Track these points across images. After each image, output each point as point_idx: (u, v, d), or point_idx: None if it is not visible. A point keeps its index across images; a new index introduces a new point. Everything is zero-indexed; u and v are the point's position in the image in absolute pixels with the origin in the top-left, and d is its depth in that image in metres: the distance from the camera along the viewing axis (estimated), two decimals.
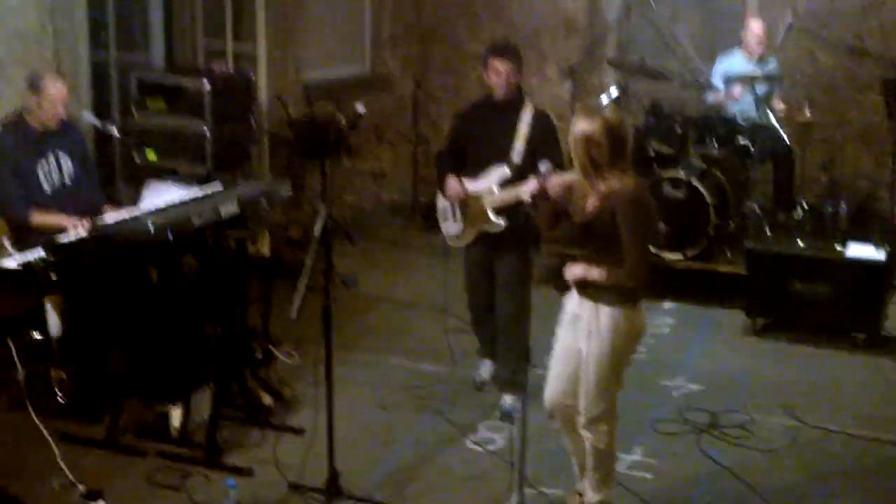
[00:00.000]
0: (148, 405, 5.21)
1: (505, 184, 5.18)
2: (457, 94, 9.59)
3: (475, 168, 5.31)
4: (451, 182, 5.31)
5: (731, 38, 8.15)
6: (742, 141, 7.45)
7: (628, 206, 3.89)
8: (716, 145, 7.46)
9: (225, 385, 5.18)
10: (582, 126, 3.90)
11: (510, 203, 5.09)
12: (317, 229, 4.52)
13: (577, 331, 4.08)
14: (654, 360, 6.12)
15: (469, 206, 5.33)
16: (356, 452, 4.91)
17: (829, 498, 4.64)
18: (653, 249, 6.97)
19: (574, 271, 4.03)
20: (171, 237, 4.66)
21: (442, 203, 5.48)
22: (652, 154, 7.41)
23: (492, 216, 5.23)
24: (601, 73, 9.23)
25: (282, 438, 5.10)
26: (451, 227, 5.48)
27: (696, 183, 7.03)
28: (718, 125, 7.53)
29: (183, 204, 5.16)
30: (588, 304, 4.03)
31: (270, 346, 5.80)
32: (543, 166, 4.17)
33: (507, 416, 5.29)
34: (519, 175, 5.09)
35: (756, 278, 6.62)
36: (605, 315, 3.99)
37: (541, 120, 5.28)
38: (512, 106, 5.27)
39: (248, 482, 4.70)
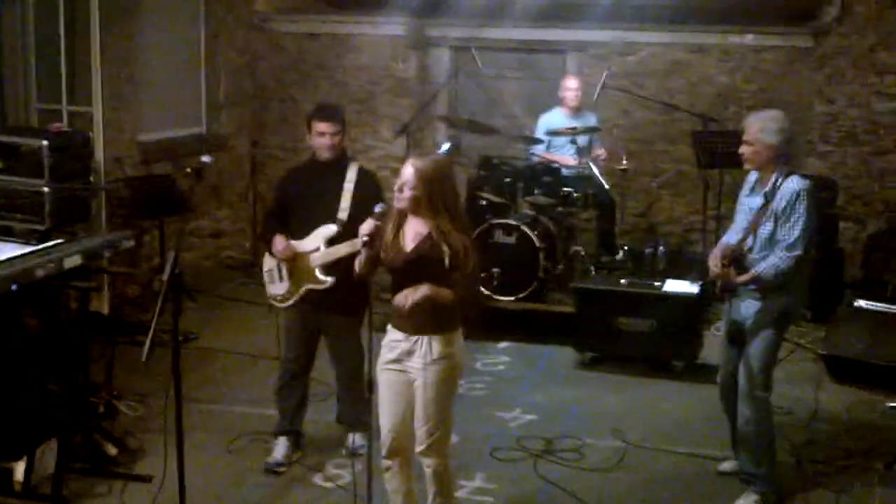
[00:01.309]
0: None
1: (332, 241, 5.21)
2: (294, 151, 9.79)
3: (302, 228, 5.31)
4: (279, 241, 5.31)
5: (552, 97, 8.67)
6: (567, 190, 7.92)
7: (467, 241, 4.21)
8: (543, 194, 7.90)
9: (69, 438, 5.17)
10: (414, 163, 4.19)
11: (339, 259, 5.13)
12: (164, 276, 4.54)
13: (410, 366, 4.27)
14: (491, 395, 6.45)
15: (296, 266, 5.32)
16: (206, 495, 4.99)
17: None
18: (486, 292, 7.35)
19: (410, 297, 4.16)
20: (14, 288, 4.65)
21: (268, 264, 5.45)
22: (484, 203, 7.80)
23: (319, 274, 5.24)
24: (433, 130, 9.63)
25: (129, 487, 5.13)
26: (276, 287, 5.43)
27: (525, 229, 7.44)
28: (544, 176, 7.99)
29: (24, 256, 5.09)
30: (419, 338, 4.23)
31: (113, 399, 5.84)
32: (379, 208, 4.38)
33: (354, 454, 5.44)
34: (346, 232, 5.13)
35: (583, 315, 7.05)
36: (438, 343, 4.22)
37: (365, 177, 5.36)
38: (336, 165, 5.31)
39: None
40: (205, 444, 5.58)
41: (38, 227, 6.56)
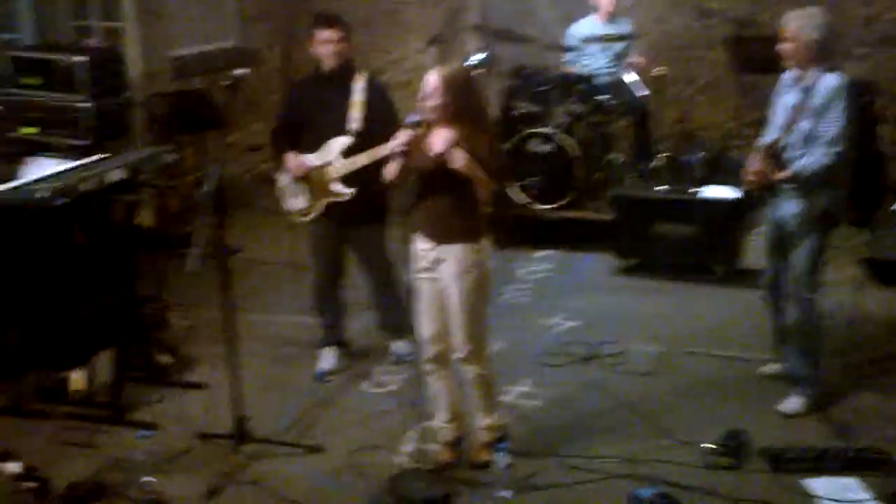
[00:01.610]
0: (49, 374, 5.27)
1: (347, 152, 5.18)
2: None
3: (313, 142, 5.25)
4: (291, 159, 5.26)
5: (586, 4, 8.55)
6: (601, 98, 7.87)
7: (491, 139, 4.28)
8: (578, 102, 7.85)
9: (124, 348, 5.29)
10: (438, 72, 4.20)
11: (357, 169, 5.14)
12: (205, 193, 4.58)
13: (441, 274, 4.32)
14: (534, 303, 6.53)
15: (313, 181, 5.29)
16: (258, 402, 5.09)
17: (698, 410, 5.07)
18: (525, 201, 7.38)
19: (457, 156, 4.11)
20: (60, 203, 4.70)
21: (283, 180, 5.39)
22: (518, 113, 7.76)
23: (339, 186, 5.23)
24: (464, 40, 9.54)
25: (184, 394, 5.28)
26: (296, 202, 5.40)
27: (561, 138, 7.42)
28: (579, 84, 7.93)
29: (67, 171, 5.18)
30: (448, 247, 4.27)
31: (164, 310, 5.95)
32: (414, 117, 4.30)
33: (401, 360, 5.55)
34: (361, 142, 5.13)
35: (622, 223, 7.08)
36: (467, 252, 4.26)
37: (374, 86, 5.29)
38: (343, 75, 5.21)
39: (155, 436, 4.85)
40: (254, 352, 5.68)
41: (78, 142, 6.60)
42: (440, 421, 4.59)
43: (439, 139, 4.22)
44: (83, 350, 5.22)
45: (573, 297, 6.63)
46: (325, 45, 5.17)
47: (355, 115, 5.17)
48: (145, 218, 7.25)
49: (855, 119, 4.77)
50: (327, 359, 5.57)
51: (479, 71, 7.77)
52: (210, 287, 4.93)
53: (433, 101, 4.20)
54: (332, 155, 5.21)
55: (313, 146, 5.25)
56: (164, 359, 5.59)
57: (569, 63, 8.28)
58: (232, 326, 4.69)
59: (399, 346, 5.61)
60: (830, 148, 4.67)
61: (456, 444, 4.61)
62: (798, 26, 4.74)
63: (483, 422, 4.57)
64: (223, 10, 9.31)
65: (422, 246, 4.35)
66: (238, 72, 6.53)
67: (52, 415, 5.05)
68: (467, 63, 7.72)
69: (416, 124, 4.29)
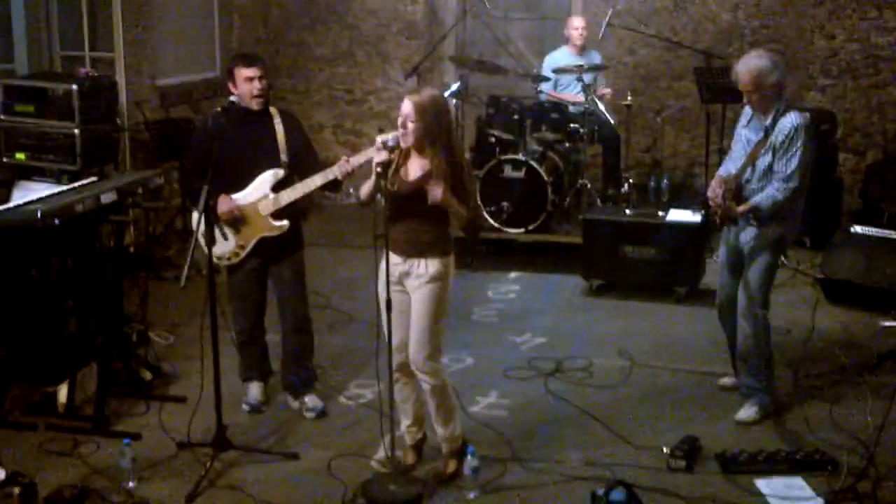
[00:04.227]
0: (36, 388, 5.48)
1: (278, 185, 5.16)
2: (306, 94, 10.11)
3: (239, 180, 5.17)
4: (224, 202, 5.12)
5: (558, 37, 8.89)
6: (573, 126, 8.19)
7: (464, 165, 4.51)
8: (550, 130, 8.16)
9: (108, 363, 5.49)
10: (411, 98, 4.42)
11: (296, 200, 5.15)
12: (198, 209, 4.79)
13: (407, 285, 4.56)
14: (503, 321, 6.80)
15: (246, 219, 5.20)
16: (238, 413, 5.34)
17: (657, 418, 5.33)
18: (496, 224, 7.68)
19: (436, 192, 4.36)
20: (57, 223, 4.86)
21: (202, 226, 4.83)
22: (493, 140, 8.07)
23: (273, 221, 5.19)
24: (442, 71, 9.87)
25: (165, 407, 5.47)
26: (220, 248, 5.22)
27: (534, 164, 7.72)
28: (551, 113, 8.25)
29: (63, 193, 5.36)
30: (416, 261, 4.51)
31: (145, 329, 6.17)
32: (392, 140, 4.46)
33: (318, 413, 5.43)
34: (289, 173, 5.16)
35: (591, 245, 7.35)
36: (433, 265, 4.50)
37: (290, 119, 5.34)
38: (262, 111, 5.22)
39: (138, 445, 5.04)
40: (232, 368, 5.86)
41: (69, 167, 6.85)
42: (405, 425, 4.84)
43: (416, 167, 4.47)
44: (68, 365, 5.40)
45: (542, 315, 6.89)
46: (250, 83, 5.15)
47: (282, 148, 5.21)
48: (131, 238, 7.53)
49: (813, 156, 5.07)
50: (253, 394, 5.57)
51: (456, 100, 8.10)
52: (193, 308, 5.11)
53: (408, 126, 4.43)
54: (264, 189, 5.18)
55: (240, 184, 5.19)
56: (146, 374, 5.80)
57: (542, 92, 8.59)
58: (215, 329, 4.87)
59: (306, 402, 5.50)
60: (787, 184, 4.97)
61: (418, 446, 4.87)
62: (756, 74, 4.96)
63: (441, 433, 4.76)
64: (208, 42, 9.59)
65: (393, 260, 4.58)
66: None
67: (37, 426, 5.21)
68: (443, 91, 8.02)
69: (393, 147, 4.47)
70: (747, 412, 5.27)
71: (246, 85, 5.16)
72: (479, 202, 7.73)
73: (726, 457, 4.76)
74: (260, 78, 5.16)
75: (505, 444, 5.02)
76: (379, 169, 4.42)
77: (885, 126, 9.15)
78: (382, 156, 4.44)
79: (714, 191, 5.15)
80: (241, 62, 5.21)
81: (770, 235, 5.11)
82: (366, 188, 4.59)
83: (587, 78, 8.45)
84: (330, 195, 5.50)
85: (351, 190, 4.69)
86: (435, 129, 4.42)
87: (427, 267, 4.51)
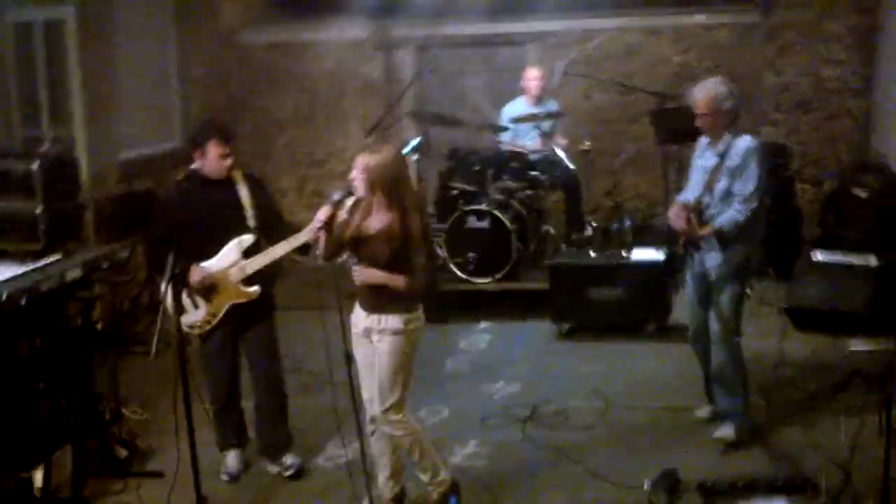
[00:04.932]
0: (9, 474, 5.42)
1: (249, 251, 5.16)
2: (267, 159, 10.16)
3: (208, 248, 5.17)
4: (196, 272, 5.11)
5: (515, 87, 9.02)
6: (534, 173, 8.29)
7: (418, 224, 4.56)
8: (511, 179, 8.25)
9: (82, 443, 5.44)
10: (361, 157, 4.54)
11: (268, 264, 5.15)
12: (165, 278, 4.80)
13: (373, 338, 4.63)
14: (476, 371, 6.84)
15: (217, 286, 5.18)
16: (217, 482, 5.32)
17: (635, 455, 5.37)
18: (463, 276, 7.73)
19: (363, 275, 4.54)
20: (23, 303, 4.87)
21: (171, 296, 4.86)
22: (456, 192, 8.15)
23: (244, 287, 5.18)
24: (402, 127, 9.96)
25: (143, 484, 5.42)
26: (191, 317, 5.23)
27: (497, 213, 7.80)
28: (512, 162, 8.35)
29: (25, 274, 5.34)
30: (378, 316, 4.59)
31: (118, 406, 6.13)
32: (337, 195, 4.60)
33: (297, 472, 5.46)
34: (259, 237, 5.18)
35: (558, 290, 7.42)
36: (395, 320, 4.58)
37: (254, 181, 5.34)
38: (226, 178, 5.22)
39: None
40: (208, 439, 5.85)
41: (33, 246, 6.81)
42: (383, 477, 4.86)
43: (376, 222, 4.54)
44: (42, 448, 5.32)
45: (514, 363, 6.94)
46: (224, 159, 5.15)
47: (250, 213, 5.21)
48: (98, 315, 7.49)
49: (768, 176, 5.25)
50: (232, 463, 5.53)
51: (417, 154, 8.17)
52: (165, 382, 5.08)
53: (359, 180, 4.53)
54: (233, 256, 5.17)
55: (205, 251, 5.17)
56: (121, 451, 5.75)
57: (501, 143, 8.70)
58: (189, 406, 4.85)
59: (289, 458, 5.50)
60: (747, 204, 5.12)
61: (397, 499, 4.88)
62: (711, 99, 5.16)
63: (424, 479, 4.81)
64: (168, 113, 9.65)
65: (360, 314, 4.65)
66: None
67: None
68: (400, 148, 8.08)
69: (338, 202, 4.59)
70: (724, 431, 5.38)
71: (220, 160, 5.14)
72: (446, 254, 7.81)
73: (707, 487, 4.81)
74: (231, 153, 5.16)
75: (486, 491, 5.04)
76: (319, 224, 4.56)
77: (838, 156, 9.34)
78: (326, 211, 4.57)
79: (677, 215, 5.26)
80: (218, 136, 5.15)
81: (735, 259, 5.23)
82: (321, 243, 4.67)
83: (545, 126, 8.57)
84: (298, 259, 5.52)
85: (317, 252, 4.73)
86: (388, 184, 4.51)
87: (388, 322, 4.57)
